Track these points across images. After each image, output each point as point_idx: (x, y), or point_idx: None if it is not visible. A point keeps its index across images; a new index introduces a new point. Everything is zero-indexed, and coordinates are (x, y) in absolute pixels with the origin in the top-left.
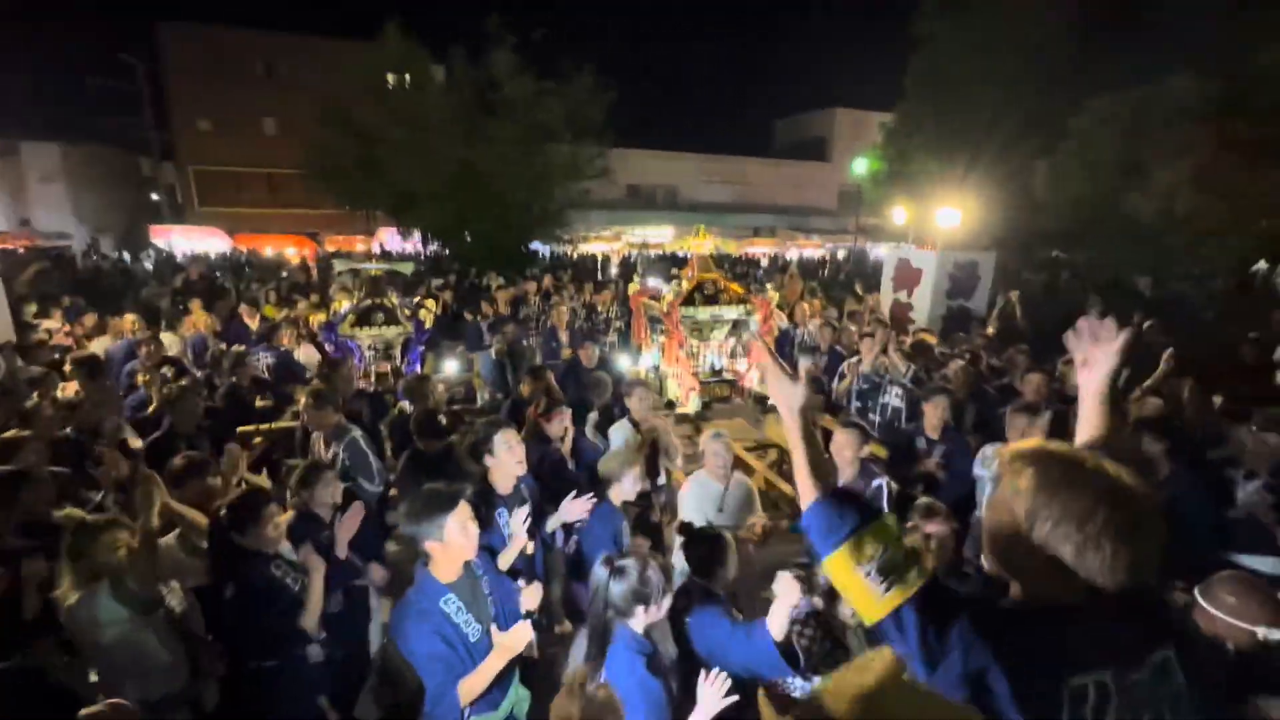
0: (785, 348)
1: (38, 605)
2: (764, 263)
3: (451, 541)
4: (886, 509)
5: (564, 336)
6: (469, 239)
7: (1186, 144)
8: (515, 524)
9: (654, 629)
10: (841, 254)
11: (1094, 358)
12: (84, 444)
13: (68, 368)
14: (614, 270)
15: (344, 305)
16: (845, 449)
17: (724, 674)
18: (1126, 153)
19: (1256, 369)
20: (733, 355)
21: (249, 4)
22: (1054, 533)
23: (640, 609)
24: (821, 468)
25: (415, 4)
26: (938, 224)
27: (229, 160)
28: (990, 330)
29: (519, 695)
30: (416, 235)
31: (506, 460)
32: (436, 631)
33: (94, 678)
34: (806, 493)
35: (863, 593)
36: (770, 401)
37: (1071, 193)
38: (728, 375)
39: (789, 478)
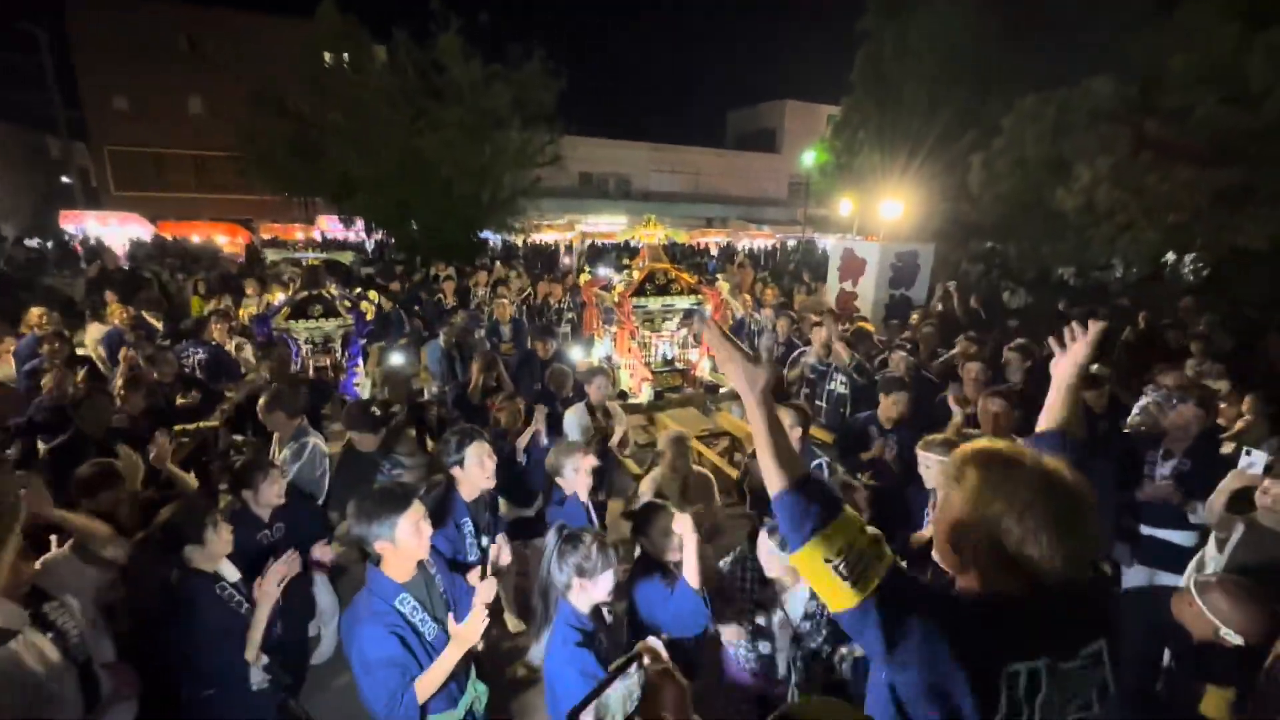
0: (741, 337)
1: None
2: (714, 252)
3: (403, 542)
4: None
5: (506, 329)
6: (415, 227)
7: (1106, 142)
8: (494, 555)
9: (597, 612)
10: (791, 244)
11: (1069, 352)
12: None
13: None
14: (565, 260)
15: (279, 297)
16: (791, 430)
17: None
18: (1052, 150)
19: (1178, 352)
20: (684, 345)
21: None
22: (997, 527)
23: (578, 581)
24: (788, 454)
25: None
26: (881, 216)
27: (149, 141)
28: (924, 319)
29: (477, 691)
30: (359, 223)
31: (476, 474)
32: (393, 632)
33: None
34: (773, 481)
35: (832, 586)
36: (722, 390)
37: (1002, 187)
38: (679, 365)
39: (737, 465)
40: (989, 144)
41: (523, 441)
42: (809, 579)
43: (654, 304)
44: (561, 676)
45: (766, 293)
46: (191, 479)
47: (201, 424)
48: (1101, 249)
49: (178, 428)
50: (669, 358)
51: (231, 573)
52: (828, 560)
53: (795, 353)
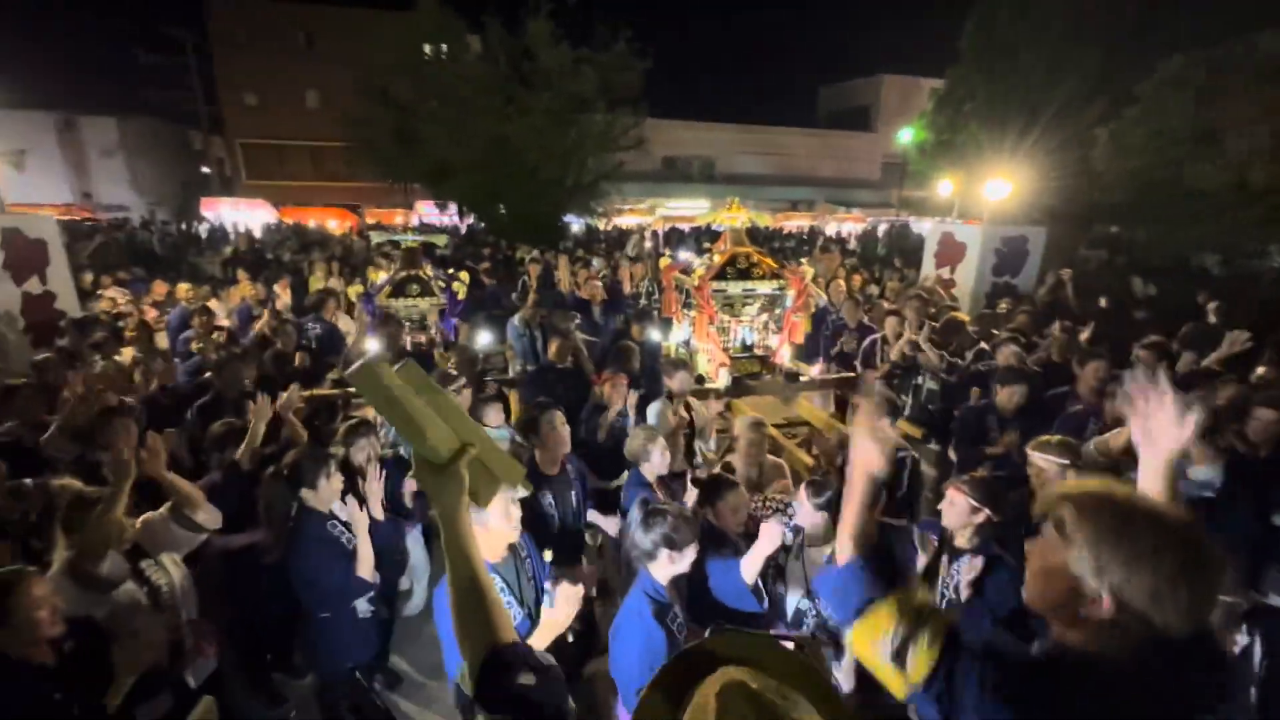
0: (822, 326)
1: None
2: (798, 236)
3: (493, 526)
4: (907, 485)
5: (596, 310)
6: (502, 211)
7: (1268, 108)
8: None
9: (675, 585)
10: (883, 228)
11: (1154, 429)
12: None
13: (128, 334)
14: (647, 244)
15: (381, 276)
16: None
17: None
18: (1197, 120)
19: None
20: (764, 330)
21: None
22: (1125, 583)
23: (665, 553)
24: (865, 533)
25: None
26: (986, 197)
27: (274, 133)
28: (1023, 308)
29: None
30: (453, 207)
31: (552, 442)
32: None
33: None
34: (844, 551)
35: (884, 671)
36: (803, 378)
37: (1133, 163)
38: (759, 351)
39: (815, 456)
40: (1119, 114)
41: (607, 419)
42: (866, 665)
43: (734, 288)
44: (625, 644)
45: (854, 279)
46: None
47: (315, 391)
48: (1254, 233)
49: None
50: (749, 343)
51: (342, 513)
52: (875, 642)
53: (868, 340)
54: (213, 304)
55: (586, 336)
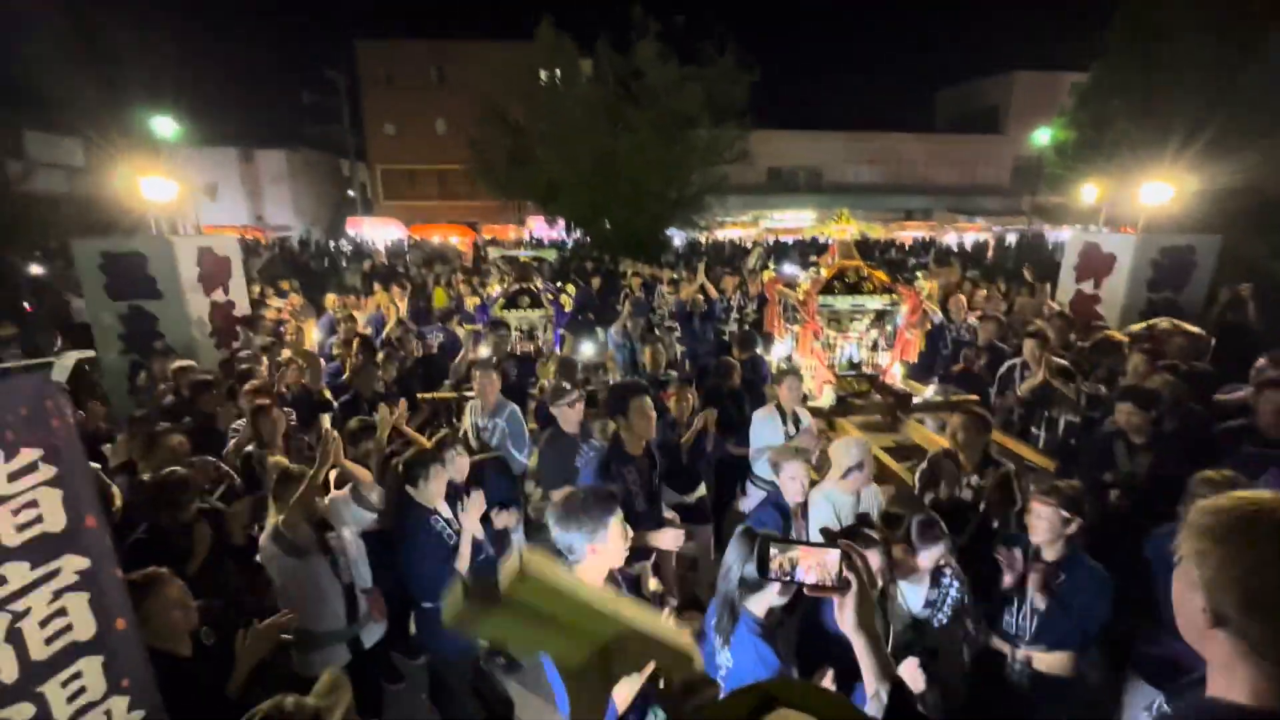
0: (939, 344)
1: (242, 539)
2: (907, 248)
3: (613, 544)
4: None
5: (696, 322)
6: (608, 226)
7: None
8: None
9: (772, 614)
10: (1011, 238)
11: None
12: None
13: (288, 337)
14: (752, 261)
15: (496, 289)
16: (960, 434)
17: None
18: None
19: None
20: (874, 349)
21: (428, 13)
22: (1227, 596)
23: (773, 586)
24: (882, 667)
25: (568, 1)
26: (1141, 201)
27: (407, 159)
28: (1190, 329)
29: (658, 717)
30: (561, 222)
31: (640, 424)
32: None
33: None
34: (869, 681)
35: None
36: (915, 400)
37: None
38: (867, 370)
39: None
40: None
41: (687, 440)
42: None
43: (842, 303)
44: (743, 673)
45: (977, 294)
46: (424, 439)
47: (435, 394)
48: None
49: (420, 395)
50: (855, 361)
51: (446, 510)
52: None
53: (1006, 365)
54: (356, 313)
55: (684, 346)
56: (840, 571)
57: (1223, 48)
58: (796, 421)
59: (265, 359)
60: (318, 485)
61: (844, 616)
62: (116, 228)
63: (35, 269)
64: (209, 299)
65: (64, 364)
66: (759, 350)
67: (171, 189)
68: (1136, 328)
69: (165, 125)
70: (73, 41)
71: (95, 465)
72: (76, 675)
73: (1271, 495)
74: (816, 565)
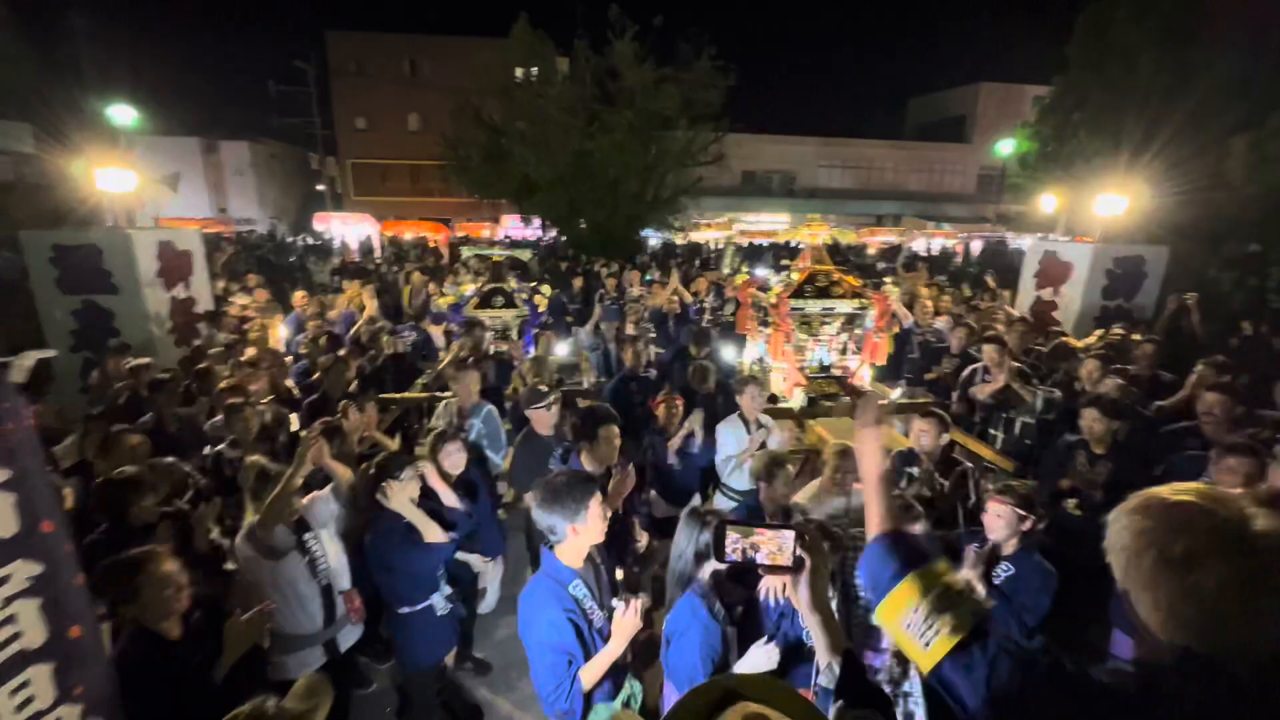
0: (906, 347)
1: (206, 544)
2: (873, 253)
3: (591, 525)
4: (971, 497)
5: (670, 324)
6: (583, 225)
7: None
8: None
9: (715, 578)
10: (976, 245)
11: None
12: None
13: (251, 335)
14: (726, 263)
15: (469, 288)
16: (923, 436)
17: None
18: None
19: None
20: (843, 352)
21: (402, 8)
22: (1149, 591)
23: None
24: (885, 514)
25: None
26: (1096, 212)
27: (379, 153)
28: (1139, 338)
29: (633, 689)
30: (536, 221)
31: (604, 451)
32: (569, 619)
33: None
34: (869, 533)
35: (909, 644)
36: (882, 402)
37: (1278, 176)
38: (836, 372)
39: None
40: (1263, 121)
41: (675, 444)
42: (894, 639)
43: (813, 307)
44: (683, 641)
45: (943, 299)
46: (395, 442)
47: (405, 395)
48: None
49: (385, 396)
50: (826, 364)
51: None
52: (900, 616)
53: (968, 370)
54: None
55: (657, 349)
56: (795, 551)
57: (1174, 65)
58: (759, 427)
59: (229, 356)
60: (295, 486)
61: (798, 594)
62: (69, 219)
63: None
64: (169, 294)
65: (23, 364)
66: (718, 349)
67: (130, 180)
68: (1090, 338)
69: (123, 113)
70: (23, 22)
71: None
72: (24, 684)
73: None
74: (772, 546)
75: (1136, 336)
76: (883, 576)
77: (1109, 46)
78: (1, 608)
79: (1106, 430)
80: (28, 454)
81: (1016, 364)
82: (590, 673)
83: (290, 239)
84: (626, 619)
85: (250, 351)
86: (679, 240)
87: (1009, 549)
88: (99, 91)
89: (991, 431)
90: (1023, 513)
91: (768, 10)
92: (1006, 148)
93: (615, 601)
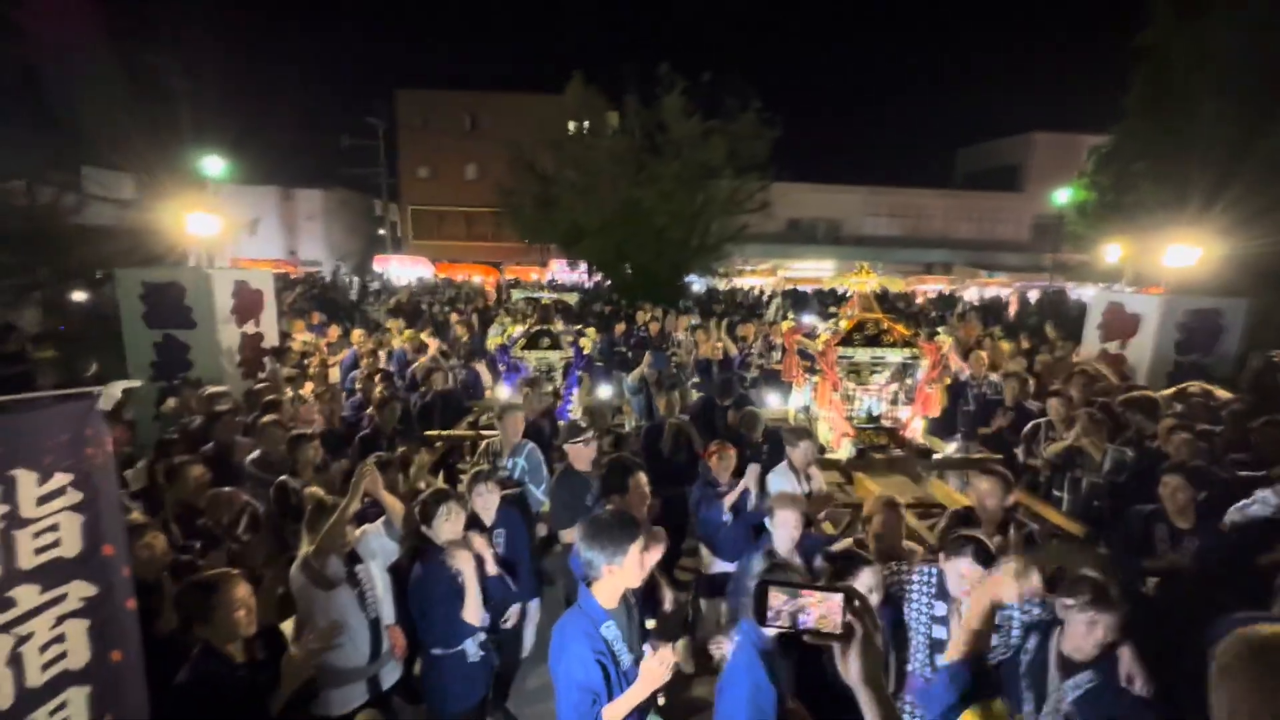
0: (960, 400)
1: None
2: (922, 301)
3: (629, 568)
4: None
5: (714, 371)
6: (628, 270)
7: None
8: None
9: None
10: (1034, 294)
11: None
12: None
13: (310, 370)
14: (772, 311)
15: (517, 330)
16: (987, 498)
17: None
18: None
19: None
20: (894, 402)
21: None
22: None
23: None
24: (977, 645)
25: (597, 55)
26: (1165, 263)
27: (437, 200)
28: (1224, 394)
29: None
30: (583, 266)
31: (635, 500)
32: (598, 659)
33: None
34: (954, 651)
35: None
36: (936, 456)
37: None
38: (886, 423)
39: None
40: None
41: (730, 499)
42: None
43: (862, 355)
44: (735, 692)
45: (984, 355)
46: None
47: (451, 433)
48: None
49: (435, 433)
50: (875, 414)
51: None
52: None
53: (1031, 425)
54: (380, 350)
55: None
56: (843, 616)
57: (1243, 112)
58: (809, 479)
59: (289, 390)
60: (349, 516)
61: (847, 667)
62: (160, 259)
63: (79, 295)
64: (240, 330)
65: (111, 394)
66: (760, 396)
67: (215, 224)
68: (1167, 392)
69: (213, 164)
70: (130, 83)
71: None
72: (62, 705)
73: None
74: (818, 611)
75: (1222, 393)
76: (941, 701)
77: (1169, 95)
78: (53, 626)
79: (1189, 502)
80: (103, 479)
81: (1090, 411)
82: (612, 713)
83: (348, 278)
84: (653, 667)
85: (309, 387)
86: (722, 286)
87: (1081, 655)
88: (193, 144)
89: (1056, 493)
90: (1095, 615)
91: (814, 62)
92: (1064, 197)
93: (646, 646)
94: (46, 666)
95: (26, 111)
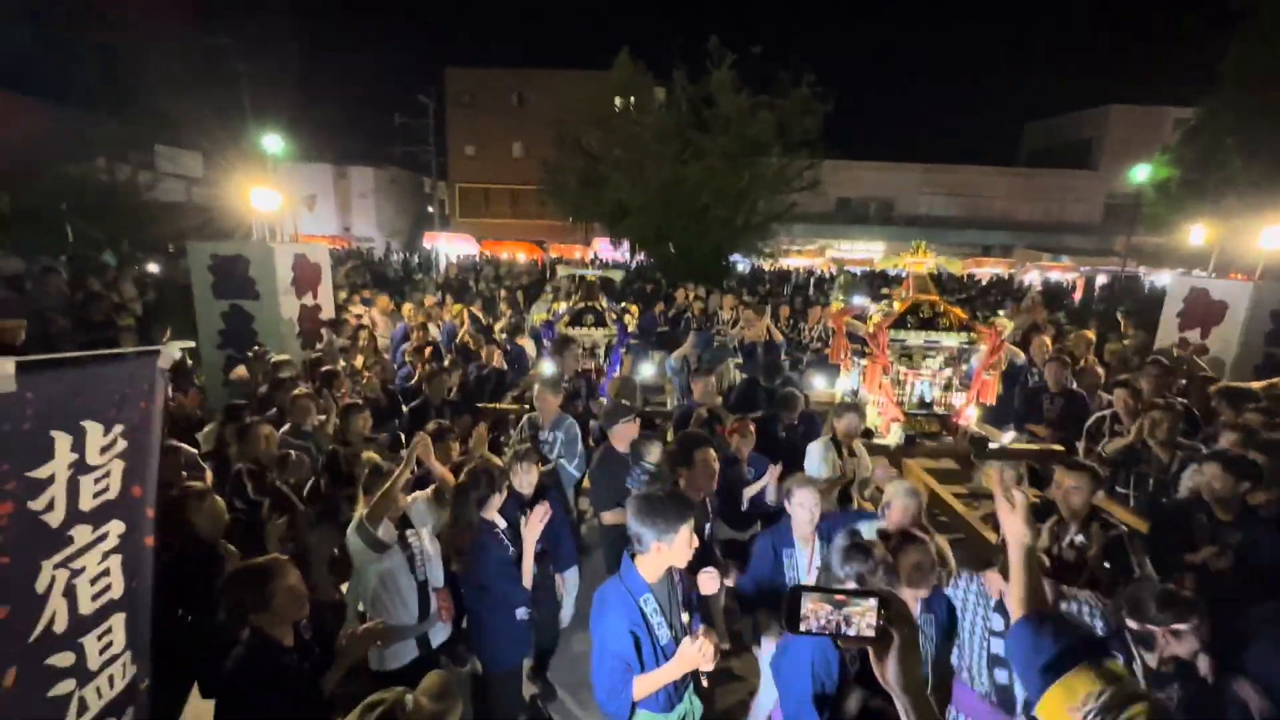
0: (1014, 387)
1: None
2: (982, 284)
3: (678, 548)
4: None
5: (759, 353)
6: (672, 249)
7: None
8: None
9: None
10: (1102, 279)
11: None
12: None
13: (361, 343)
14: (838, 294)
15: (562, 306)
16: (1073, 494)
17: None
18: None
19: None
20: (947, 388)
21: (513, 43)
22: None
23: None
24: (1033, 593)
25: (645, 30)
26: (1261, 246)
27: (484, 178)
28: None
29: (692, 705)
30: (625, 244)
31: (703, 475)
32: (631, 630)
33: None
34: (1017, 611)
35: None
36: (991, 445)
37: None
38: (939, 409)
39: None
40: None
41: (750, 492)
42: None
43: (915, 339)
44: (795, 661)
45: (1046, 340)
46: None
47: (498, 404)
48: None
49: (484, 405)
50: (927, 400)
51: (502, 521)
52: (1070, 710)
53: (1094, 418)
54: (431, 324)
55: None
56: (879, 621)
57: None
58: (851, 455)
59: (343, 360)
60: (401, 483)
61: (884, 671)
62: (227, 234)
63: (152, 267)
64: (299, 302)
65: (170, 352)
66: (790, 379)
67: (277, 199)
68: (1258, 385)
69: (274, 142)
70: (199, 66)
71: (192, 450)
72: (108, 630)
73: None
74: (856, 615)
75: None
76: (1037, 663)
77: (1271, 63)
78: (100, 561)
79: (1232, 490)
80: (149, 429)
81: (1156, 409)
82: (642, 686)
83: (398, 254)
84: (691, 651)
85: (360, 359)
86: (768, 266)
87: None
88: (255, 123)
89: (1120, 489)
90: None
91: (871, 32)
92: (1142, 174)
93: (689, 623)
94: (95, 597)
95: (107, 94)
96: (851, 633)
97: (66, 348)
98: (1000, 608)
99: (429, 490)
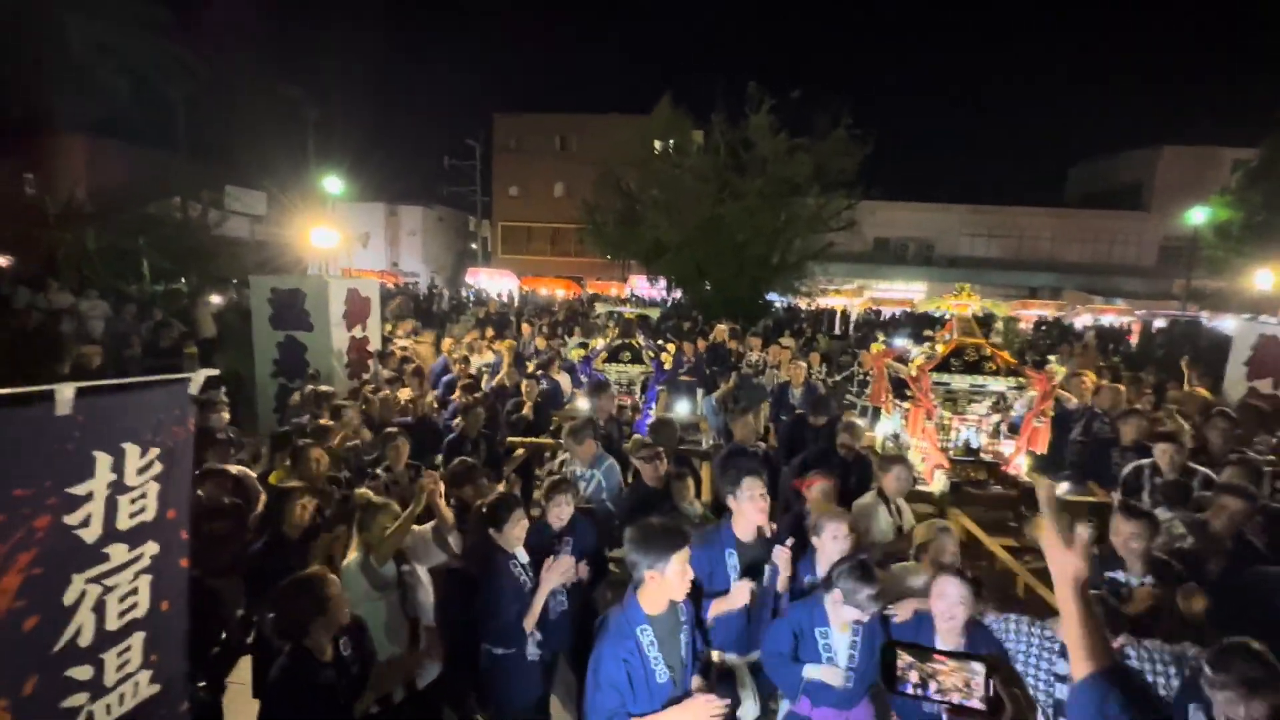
0: (1066, 432)
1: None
2: (1025, 327)
3: (670, 577)
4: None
5: (798, 393)
6: (708, 287)
7: None
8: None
9: None
10: (1159, 323)
11: None
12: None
13: (406, 376)
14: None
15: (599, 343)
16: (1133, 541)
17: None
18: None
19: None
20: (995, 434)
21: (557, 89)
22: None
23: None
24: (1098, 645)
25: (686, 72)
26: None
27: (526, 217)
28: None
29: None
30: (662, 282)
31: (749, 510)
32: (625, 658)
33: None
34: (1079, 669)
35: None
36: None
37: None
38: (986, 456)
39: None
40: None
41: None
42: None
43: (959, 383)
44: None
45: (1118, 390)
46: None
47: (532, 439)
48: None
49: (518, 439)
50: (974, 446)
51: (524, 555)
52: None
53: (1131, 467)
54: (472, 356)
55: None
56: (988, 690)
57: None
58: (899, 514)
59: (387, 390)
60: (411, 524)
61: None
62: (286, 269)
63: (215, 299)
64: (349, 334)
65: (197, 379)
66: (837, 415)
67: (335, 237)
68: None
69: (334, 183)
70: (270, 114)
71: (250, 473)
72: (128, 648)
73: None
74: (957, 680)
75: None
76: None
77: None
78: (131, 581)
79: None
80: (183, 453)
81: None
82: None
83: (441, 290)
84: (700, 706)
85: (405, 392)
86: (804, 305)
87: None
88: (318, 165)
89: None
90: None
91: (911, 72)
92: (1199, 216)
93: (694, 678)
94: (122, 614)
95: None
96: (955, 700)
97: (136, 372)
98: (1065, 651)
99: (427, 527)
